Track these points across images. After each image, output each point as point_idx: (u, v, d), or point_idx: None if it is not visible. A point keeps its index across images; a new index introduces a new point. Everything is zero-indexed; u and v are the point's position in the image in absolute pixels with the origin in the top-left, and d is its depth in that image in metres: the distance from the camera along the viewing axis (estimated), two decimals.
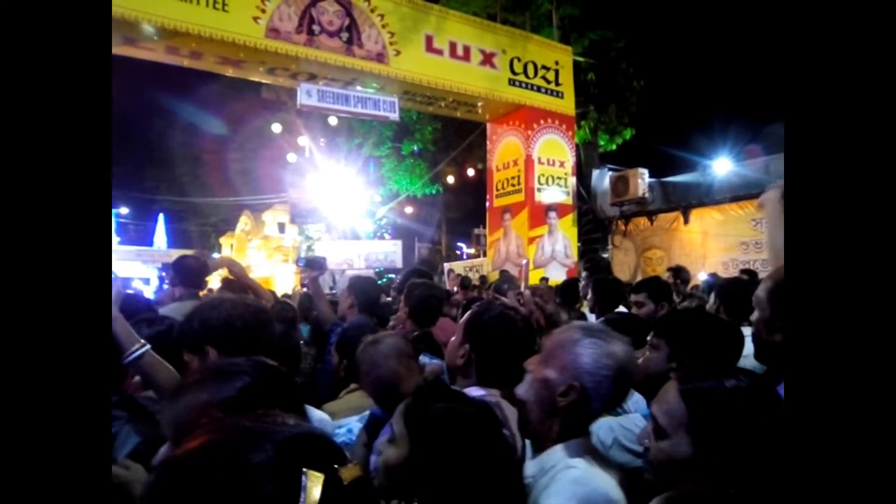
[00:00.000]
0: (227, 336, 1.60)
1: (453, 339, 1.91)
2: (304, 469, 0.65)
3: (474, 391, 1.74)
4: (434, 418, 1.23)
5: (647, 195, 12.17)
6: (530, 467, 1.40)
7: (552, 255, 10.78)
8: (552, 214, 10.82)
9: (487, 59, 9.93)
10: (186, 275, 3.18)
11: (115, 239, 25.40)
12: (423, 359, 2.07)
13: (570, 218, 10.94)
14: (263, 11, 7.84)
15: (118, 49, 7.73)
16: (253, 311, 1.67)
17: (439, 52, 9.42)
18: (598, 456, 1.39)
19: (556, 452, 1.36)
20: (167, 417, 1.15)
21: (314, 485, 0.65)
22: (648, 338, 1.94)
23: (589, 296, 3.95)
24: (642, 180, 12.11)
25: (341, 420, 1.88)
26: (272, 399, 1.12)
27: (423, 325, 2.85)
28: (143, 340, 1.64)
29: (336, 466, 0.69)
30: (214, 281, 6.33)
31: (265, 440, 0.68)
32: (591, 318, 3.89)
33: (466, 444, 1.18)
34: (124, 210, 27.25)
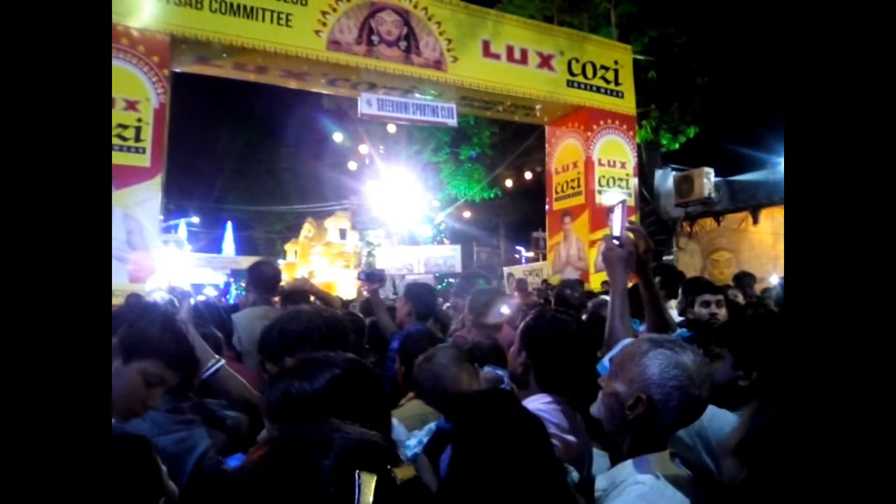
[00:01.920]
0: (304, 347, 1.65)
1: (512, 347, 1.92)
2: (359, 471, 0.70)
3: (537, 399, 1.74)
4: (477, 432, 1.23)
5: (712, 195, 11.77)
6: (602, 480, 1.38)
7: (567, 259, 10.62)
8: (566, 219, 10.68)
9: (545, 62, 9.86)
10: (261, 281, 3.30)
11: (187, 247, 26.58)
12: (487, 369, 2.07)
13: (633, 220, 10.70)
14: (325, 24, 8.07)
15: (190, 67, 8.14)
16: (330, 322, 1.73)
17: (496, 57, 9.43)
18: (673, 472, 1.35)
19: (626, 467, 1.34)
20: (264, 402, 1.23)
21: (368, 485, 0.70)
22: (714, 346, 1.88)
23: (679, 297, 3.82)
24: (708, 180, 11.73)
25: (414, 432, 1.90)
26: (358, 394, 1.17)
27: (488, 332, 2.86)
28: (217, 356, 1.72)
29: (389, 467, 0.74)
30: None
31: (328, 447, 0.73)
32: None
33: (506, 459, 1.18)
34: (195, 219, 28.46)
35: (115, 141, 6.85)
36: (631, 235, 1.86)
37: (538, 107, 10.32)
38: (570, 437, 1.62)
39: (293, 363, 1.25)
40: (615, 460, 1.43)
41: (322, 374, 1.18)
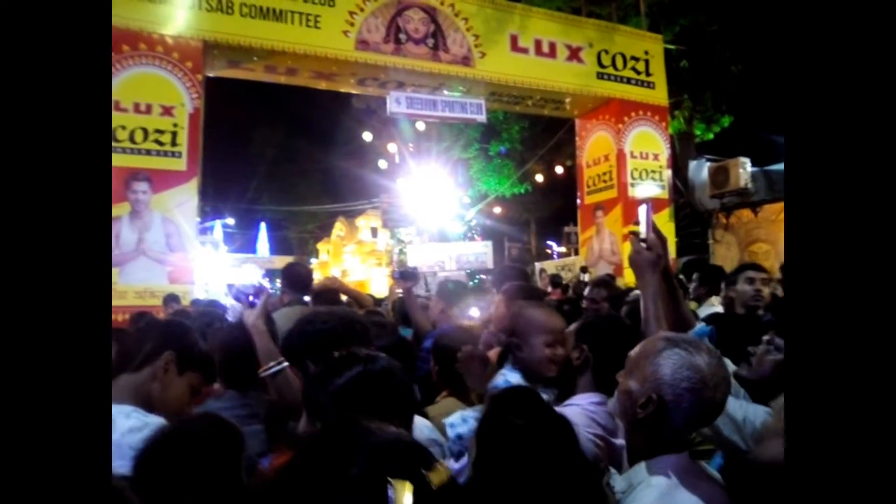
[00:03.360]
0: (322, 349, 1.67)
1: (543, 348, 1.90)
2: (391, 480, 0.67)
3: (584, 399, 1.73)
4: (502, 434, 1.20)
5: (749, 185, 11.47)
6: (619, 482, 1.36)
7: (599, 254, 10.48)
8: (599, 213, 10.55)
9: (574, 54, 9.76)
10: (295, 281, 3.36)
11: (222, 248, 27.12)
12: (508, 372, 2.06)
13: (667, 212, 10.53)
14: (352, 25, 8.13)
15: (222, 72, 8.30)
16: (346, 322, 1.74)
17: (524, 51, 9.37)
18: (692, 474, 1.32)
19: (640, 469, 1.32)
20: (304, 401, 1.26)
21: (402, 493, 0.67)
22: (766, 336, 1.83)
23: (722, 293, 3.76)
24: (744, 170, 11.43)
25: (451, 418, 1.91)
26: (385, 390, 1.18)
27: None
28: (281, 358, 1.76)
29: (424, 472, 0.71)
30: None
31: (357, 450, 0.71)
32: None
33: (533, 461, 1.15)
34: (230, 220, 29.00)
35: (152, 146, 7.03)
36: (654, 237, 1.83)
37: (568, 100, 10.23)
38: (618, 441, 1.60)
39: (326, 362, 1.27)
40: (632, 461, 1.40)
41: (348, 371, 1.20)
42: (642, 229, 1.81)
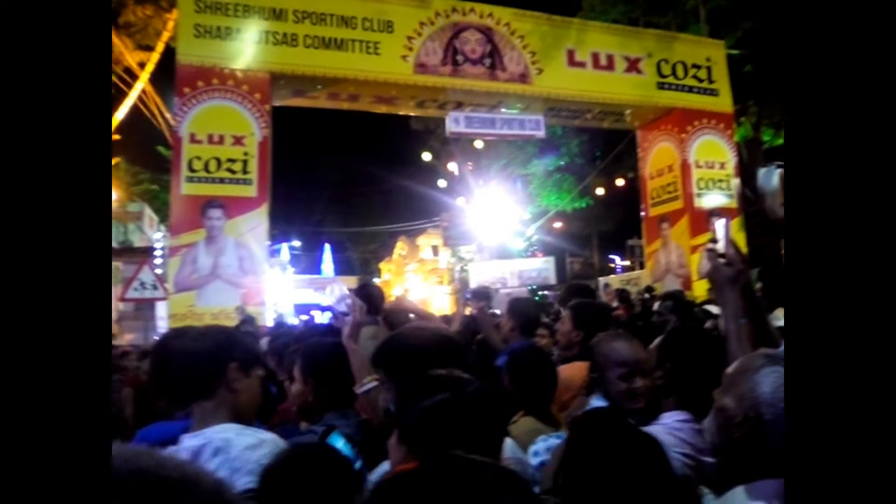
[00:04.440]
0: (417, 366, 1.65)
1: (607, 369, 1.88)
2: None
3: (670, 417, 1.70)
4: (586, 460, 1.16)
5: None
6: None
7: (667, 266, 10.15)
8: (664, 225, 10.25)
9: (633, 66, 9.64)
10: (368, 302, 3.43)
11: (289, 269, 27.98)
12: (594, 401, 2.03)
13: (736, 222, 10.17)
14: (411, 49, 8.33)
15: (288, 101, 8.65)
16: (441, 340, 1.73)
17: (582, 65, 9.33)
18: None
19: (740, 494, 1.25)
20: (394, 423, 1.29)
21: None
22: None
23: None
24: None
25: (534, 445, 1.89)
26: (476, 415, 1.18)
27: None
28: (375, 375, 1.80)
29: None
30: None
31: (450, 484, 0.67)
32: None
33: (619, 487, 1.10)
34: (296, 242, 29.94)
35: (225, 174, 7.39)
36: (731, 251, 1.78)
37: (628, 112, 10.09)
38: (708, 458, 1.56)
39: (416, 383, 1.27)
40: (726, 483, 1.35)
41: (438, 393, 1.19)
42: (720, 244, 1.77)
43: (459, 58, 8.58)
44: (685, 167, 9.92)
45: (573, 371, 2.48)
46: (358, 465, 1.58)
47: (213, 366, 1.51)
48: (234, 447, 1.38)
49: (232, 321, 7.05)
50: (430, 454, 0.80)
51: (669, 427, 1.63)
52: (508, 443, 1.69)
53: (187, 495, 0.47)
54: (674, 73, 9.91)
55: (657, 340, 1.89)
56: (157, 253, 14.03)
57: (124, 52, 12.32)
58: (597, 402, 1.91)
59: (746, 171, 11.76)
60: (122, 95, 13.08)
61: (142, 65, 12.62)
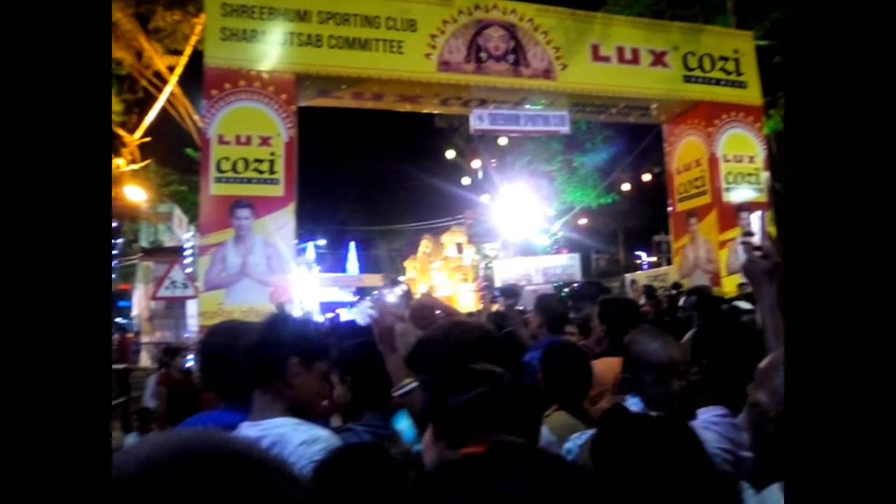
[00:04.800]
0: (457, 360, 1.63)
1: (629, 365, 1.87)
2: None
3: (707, 412, 1.69)
4: (621, 454, 1.11)
5: None
6: (753, 503, 1.31)
7: (695, 262, 9.99)
8: (692, 220, 10.08)
9: (658, 59, 9.52)
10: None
11: (315, 267, 28.25)
12: (631, 400, 2.02)
13: (768, 216, 9.97)
14: (434, 47, 8.34)
15: (313, 101, 8.74)
16: (480, 333, 1.68)
17: (607, 60, 9.24)
18: None
19: (774, 493, 1.25)
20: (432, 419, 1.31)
21: None
22: None
23: None
24: None
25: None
26: (516, 406, 1.19)
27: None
28: (412, 378, 1.80)
29: None
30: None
31: (508, 468, 0.65)
32: None
33: (656, 483, 1.05)
34: (322, 241, 30.21)
35: (252, 174, 7.49)
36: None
37: (654, 106, 9.97)
38: (746, 453, 1.55)
39: (450, 379, 1.27)
40: (763, 479, 1.33)
41: (476, 387, 1.20)
42: (756, 237, 1.74)
43: (483, 55, 8.57)
44: (713, 161, 9.77)
45: (602, 367, 2.48)
46: (417, 448, 1.59)
47: (274, 359, 1.52)
48: (289, 442, 1.41)
49: (260, 319, 7.15)
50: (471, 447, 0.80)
51: (707, 422, 1.62)
52: (543, 430, 1.69)
53: (272, 479, 0.47)
54: (700, 66, 9.76)
55: (688, 335, 1.88)
56: (187, 252, 14.28)
57: (154, 56, 12.57)
58: (633, 402, 1.90)
59: (776, 164, 11.54)
60: (153, 99, 13.36)
61: (171, 69, 12.86)
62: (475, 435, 1.12)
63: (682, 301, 4.94)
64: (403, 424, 1.69)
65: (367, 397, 1.92)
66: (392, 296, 2.32)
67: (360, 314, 2.38)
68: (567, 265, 14.94)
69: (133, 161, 14.37)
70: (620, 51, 9.34)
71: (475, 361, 1.31)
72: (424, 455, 1.31)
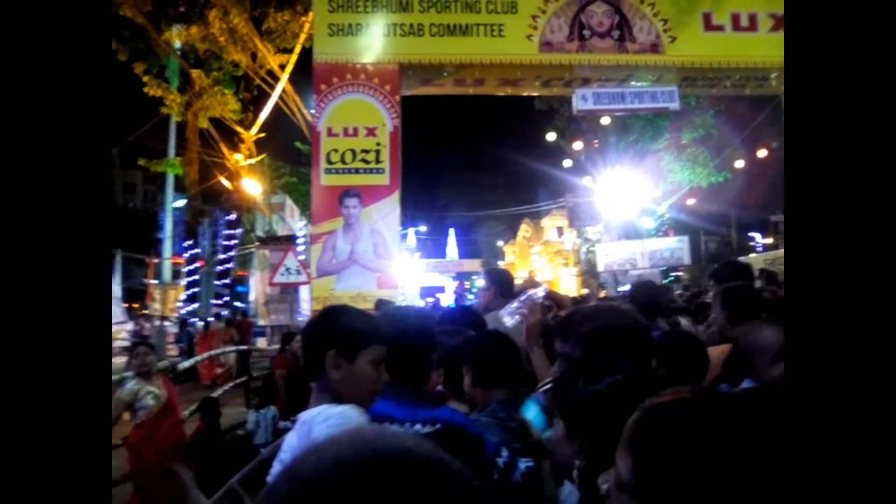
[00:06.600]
0: (597, 346, 1.50)
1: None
2: None
3: None
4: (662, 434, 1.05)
5: None
6: None
7: None
8: None
9: (780, 24, 8.80)
10: (502, 284, 3.50)
11: (416, 254, 28.89)
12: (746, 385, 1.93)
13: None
14: (535, 28, 8.20)
15: (416, 90, 8.86)
16: (627, 321, 1.58)
17: (720, 29, 8.67)
18: None
19: None
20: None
21: None
22: None
23: None
24: None
25: None
26: (641, 396, 1.17)
27: None
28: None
29: None
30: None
31: None
32: None
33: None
34: (423, 228, 30.81)
35: (359, 165, 7.76)
36: None
37: (774, 75, 9.24)
38: None
39: (586, 357, 1.27)
40: None
41: (610, 376, 1.18)
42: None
43: (586, 32, 8.31)
44: None
45: (713, 353, 2.43)
46: (546, 434, 1.59)
47: (314, 353, 1.57)
48: (314, 422, 1.45)
49: (367, 304, 7.44)
50: (607, 438, 0.81)
51: None
52: None
53: (452, 484, 0.48)
54: None
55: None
56: (299, 240, 15.06)
57: (267, 56, 13.27)
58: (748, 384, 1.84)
59: None
60: (266, 97, 14.14)
61: (282, 67, 13.53)
62: (612, 424, 1.11)
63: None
64: (532, 412, 1.70)
65: (494, 387, 1.92)
66: (538, 295, 2.36)
67: (507, 315, 2.41)
68: (675, 248, 14.32)
69: (250, 156, 15.32)
70: (736, 17, 8.72)
71: (617, 347, 1.30)
72: (556, 453, 1.31)
